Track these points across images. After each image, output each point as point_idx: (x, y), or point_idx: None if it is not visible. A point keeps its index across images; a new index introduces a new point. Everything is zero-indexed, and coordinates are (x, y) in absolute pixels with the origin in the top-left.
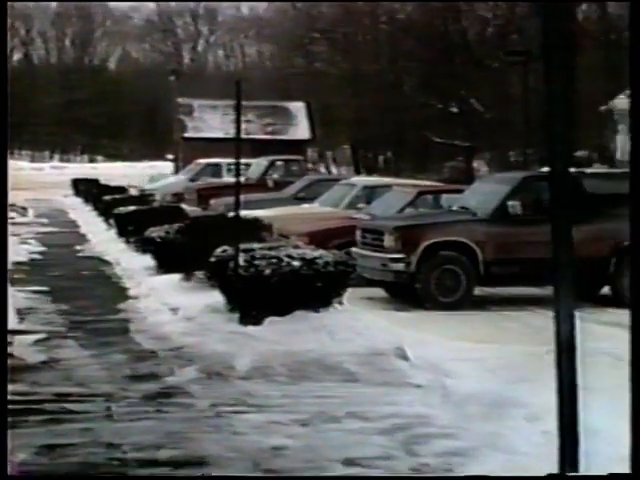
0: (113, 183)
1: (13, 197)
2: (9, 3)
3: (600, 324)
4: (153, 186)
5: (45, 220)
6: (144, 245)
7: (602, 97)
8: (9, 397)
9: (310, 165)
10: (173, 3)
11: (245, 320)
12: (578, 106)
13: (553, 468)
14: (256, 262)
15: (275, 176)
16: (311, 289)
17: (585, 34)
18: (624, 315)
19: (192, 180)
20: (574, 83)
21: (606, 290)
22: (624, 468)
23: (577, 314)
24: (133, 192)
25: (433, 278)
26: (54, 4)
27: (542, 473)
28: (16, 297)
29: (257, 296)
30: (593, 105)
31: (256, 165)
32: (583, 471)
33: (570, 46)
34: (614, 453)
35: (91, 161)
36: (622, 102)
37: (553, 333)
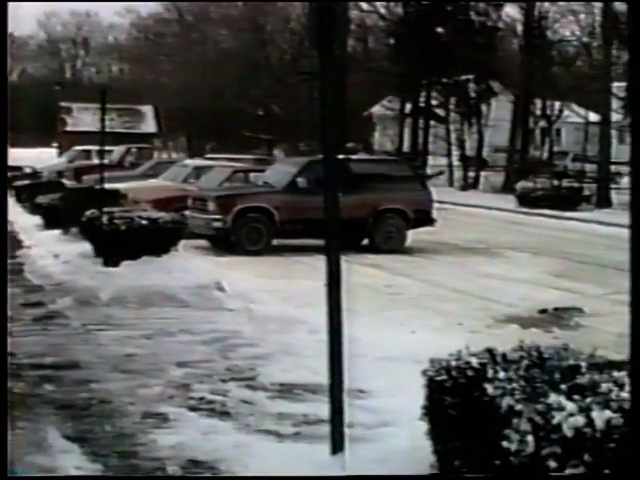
0: (14, 164)
1: None
2: None
3: (361, 265)
4: (42, 166)
5: None
6: (35, 209)
7: (365, 105)
8: None
9: (156, 151)
10: (59, 34)
11: (107, 263)
12: (349, 111)
13: (323, 364)
14: (115, 221)
15: (130, 159)
16: (155, 240)
17: (353, 60)
18: (377, 259)
19: (70, 162)
20: (345, 95)
21: (366, 241)
22: (374, 361)
23: (343, 258)
24: (28, 170)
25: (243, 233)
26: None
27: (318, 368)
28: None
29: (116, 245)
30: (359, 111)
31: (116, 151)
32: (346, 365)
33: (341, 69)
34: (367, 354)
35: None
36: (378, 109)
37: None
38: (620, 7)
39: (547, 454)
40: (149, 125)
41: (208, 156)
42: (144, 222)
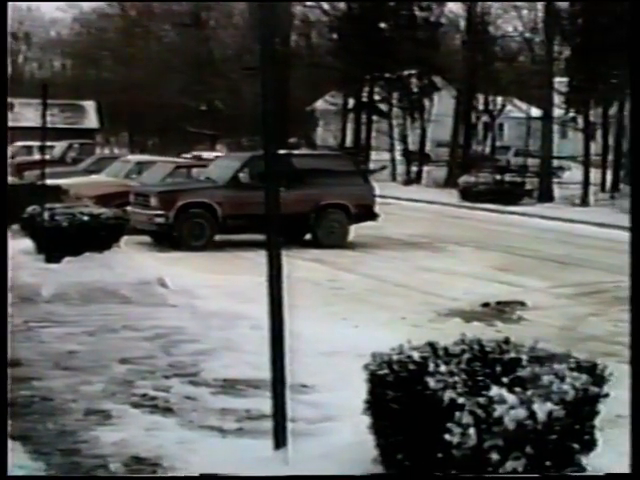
0: None
1: None
2: None
3: (303, 260)
4: None
5: None
6: None
7: (307, 100)
8: None
9: (98, 147)
10: None
11: (49, 259)
12: (291, 106)
13: (266, 359)
14: (57, 217)
15: (72, 155)
16: (97, 236)
17: (296, 55)
18: (320, 254)
19: (12, 158)
20: (288, 90)
21: (308, 236)
22: (316, 356)
23: (286, 253)
24: None
25: (185, 228)
26: None
27: (259, 363)
28: None
29: (57, 242)
30: (301, 106)
31: (58, 147)
32: (288, 360)
33: (283, 63)
34: (310, 349)
35: None
36: (321, 104)
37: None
38: (562, 4)
39: (489, 447)
40: (91, 121)
41: (196, 154)
42: (86, 218)
